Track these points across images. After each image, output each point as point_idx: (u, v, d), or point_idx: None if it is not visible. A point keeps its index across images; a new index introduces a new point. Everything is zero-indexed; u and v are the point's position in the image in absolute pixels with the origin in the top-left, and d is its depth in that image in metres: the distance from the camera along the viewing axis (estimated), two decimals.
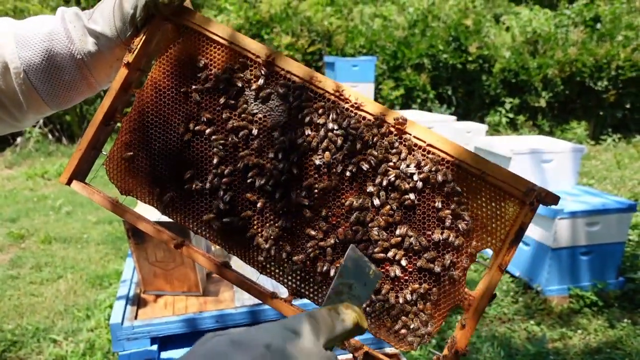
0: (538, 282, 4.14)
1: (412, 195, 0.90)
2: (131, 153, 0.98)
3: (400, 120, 0.91)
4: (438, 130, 6.47)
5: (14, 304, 4.04)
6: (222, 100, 0.96)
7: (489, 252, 0.90)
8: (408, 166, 0.90)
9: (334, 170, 0.92)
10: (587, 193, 4.39)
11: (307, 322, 0.57)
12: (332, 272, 0.93)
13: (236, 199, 0.96)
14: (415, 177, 0.90)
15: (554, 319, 3.87)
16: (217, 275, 1.32)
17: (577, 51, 10.21)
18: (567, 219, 3.91)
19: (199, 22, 0.96)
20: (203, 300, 2.00)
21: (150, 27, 0.95)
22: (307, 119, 0.93)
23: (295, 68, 0.94)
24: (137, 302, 1.97)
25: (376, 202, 0.91)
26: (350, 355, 0.99)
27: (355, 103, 0.93)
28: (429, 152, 0.91)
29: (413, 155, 0.91)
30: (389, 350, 1.75)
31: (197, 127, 0.96)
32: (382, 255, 0.91)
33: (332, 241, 0.92)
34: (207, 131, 0.96)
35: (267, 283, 1.76)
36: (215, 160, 0.95)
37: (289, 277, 0.96)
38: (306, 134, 0.93)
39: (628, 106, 10.14)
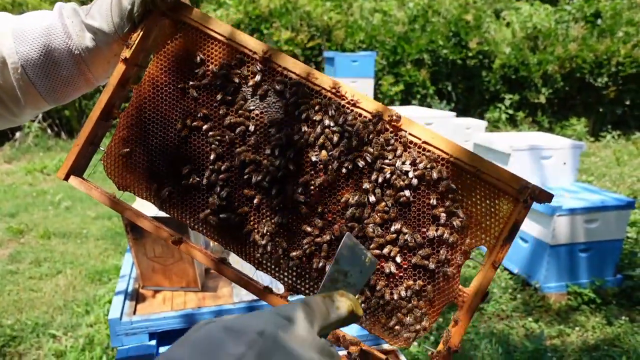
0: (536, 279, 4.15)
1: (407, 192, 0.91)
2: (128, 149, 0.98)
3: (394, 117, 0.91)
4: (437, 126, 6.47)
5: (13, 299, 4.05)
6: (219, 97, 0.96)
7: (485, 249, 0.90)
8: (403, 163, 0.91)
9: (330, 166, 0.92)
10: (586, 190, 4.40)
11: (301, 310, 0.57)
12: (327, 269, 0.93)
13: (233, 195, 0.96)
14: (411, 174, 0.90)
15: (552, 316, 3.89)
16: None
17: (577, 47, 10.19)
18: (566, 215, 3.92)
19: (197, 18, 0.96)
20: (201, 296, 2.00)
21: (148, 23, 0.95)
22: (304, 115, 0.93)
23: (292, 65, 0.94)
24: (136, 297, 1.97)
25: (372, 198, 0.91)
26: (345, 352, 0.99)
27: (352, 100, 0.93)
28: (424, 149, 0.92)
29: (408, 153, 0.92)
30: (387, 346, 1.76)
31: (194, 123, 0.96)
32: (377, 251, 0.92)
33: (328, 237, 0.93)
34: (204, 127, 0.96)
35: (264, 279, 1.77)
36: (212, 156, 0.95)
37: (285, 273, 0.97)
38: (303, 130, 0.93)
39: (628, 103, 10.13)
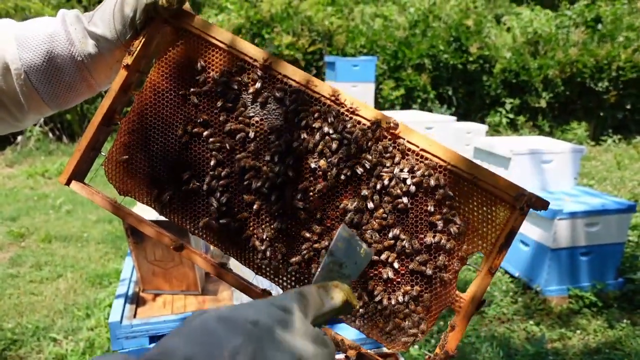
0: (537, 282, 4.15)
1: (405, 199, 0.92)
2: (127, 156, 0.99)
3: (393, 125, 0.92)
4: (438, 130, 6.48)
5: (14, 302, 4.06)
6: (219, 103, 0.97)
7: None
8: (402, 170, 0.92)
9: (329, 173, 0.93)
10: (587, 194, 4.40)
11: (295, 300, 0.57)
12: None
13: (233, 200, 0.97)
14: (409, 182, 0.91)
15: (553, 319, 3.88)
16: None
17: (577, 52, 10.21)
18: (567, 219, 3.92)
19: (198, 25, 0.97)
20: (202, 299, 2.01)
21: (150, 30, 0.96)
22: (304, 122, 0.94)
23: (292, 72, 0.95)
24: (136, 300, 1.98)
25: (370, 205, 0.92)
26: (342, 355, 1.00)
27: (351, 107, 0.94)
28: (422, 156, 0.93)
29: (407, 160, 0.93)
30: (387, 350, 1.76)
31: (194, 130, 0.97)
32: (375, 257, 0.92)
33: (327, 243, 0.94)
34: (205, 133, 0.97)
35: (264, 284, 1.78)
36: (212, 163, 0.96)
37: (284, 278, 0.97)
38: (302, 137, 0.94)
39: (628, 107, 10.13)
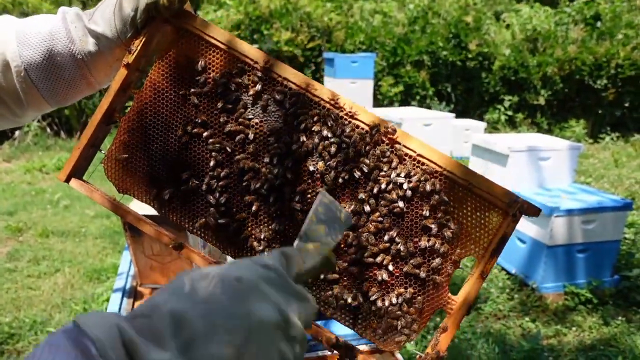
0: (534, 279, 4.17)
1: (401, 203, 0.93)
2: (126, 155, 0.99)
3: (390, 130, 0.93)
4: (437, 127, 6.49)
5: (12, 297, 4.06)
6: (219, 104, 0.97)
7: None
8: (398, 175, 0.93)
9: (327, 176, 0.94)
10: (584, 191, 4.42)
11: (277, 258, 0.59)
12: (321, 275, 0.95)
13: (231, 201, 0.98)
14: (405, 186, 0.93)
15: (549, 316, 3.91)
16: None
17: (576, 49, 10.21)
18: (563, 216, 3.93)
19: (199, 25, 0.97)
20: None
21: (150, 29, 0.96)
22: (303, 125, 0.95)
23: (292, 75, 0.96)
24: (134, 295, 1.98)
25: (367, 208, 0.94)
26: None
27: (350, 111, 0.95)
28: (419, 162, 0.94)
29: (404, 165, 0.94)
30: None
31: (194, 130, 0.98)
32: (370, 259, 0.94)
33: None
34: (205, 134, 0.97)
35: None
36: (211, 163, 0.97)
37: None
38: (301, 140, 0.95)
39: (627, 105, 10.15)
